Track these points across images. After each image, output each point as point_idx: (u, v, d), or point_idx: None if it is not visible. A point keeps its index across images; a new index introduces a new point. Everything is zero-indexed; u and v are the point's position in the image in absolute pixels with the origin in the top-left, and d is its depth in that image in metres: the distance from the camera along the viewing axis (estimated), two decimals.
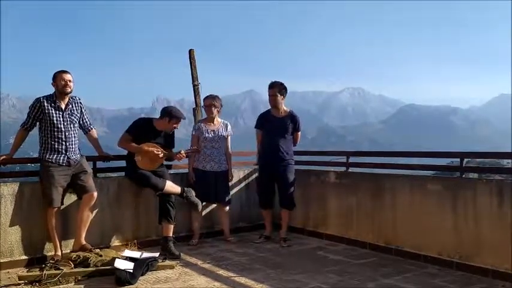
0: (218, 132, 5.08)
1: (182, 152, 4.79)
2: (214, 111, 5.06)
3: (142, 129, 4.68)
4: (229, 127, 5.21)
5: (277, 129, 5.06)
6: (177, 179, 5.08)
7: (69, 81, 4.20)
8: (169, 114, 4.70)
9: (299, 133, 5.21)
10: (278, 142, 5.02)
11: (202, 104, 5.37)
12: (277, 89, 5.02)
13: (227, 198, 5.15)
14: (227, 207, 5.19)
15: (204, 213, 5.27)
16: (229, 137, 5.20)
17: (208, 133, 5.04)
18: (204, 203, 5.09)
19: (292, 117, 5.10)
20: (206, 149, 5.04)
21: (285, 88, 5.08)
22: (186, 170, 5.37)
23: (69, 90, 4.21)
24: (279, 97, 5.03)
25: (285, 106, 5.14)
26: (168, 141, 4.81)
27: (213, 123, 5.10)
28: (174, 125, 4.73)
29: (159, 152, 4.61)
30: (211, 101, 5.05)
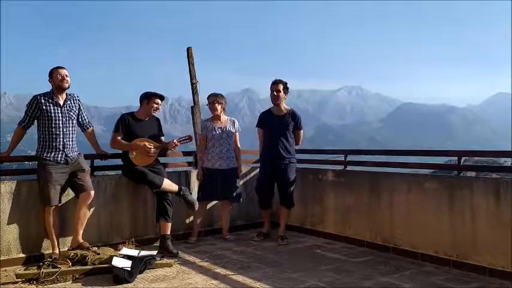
0: (226, 129, 5.06)
1: (174, 140, 4.74)
2: (219, 107, 5.04)
3: (127, 124, 4.65)
4: (236, 123, 5.19)
5: (278, 127, 5.03)
6: (175, 177, 5.07)
7: (66, 75, 4.19)
8: (146, 95, 4.70)
9: (301, 131, 5.15)
10: (279, 141, 4.99)
11: (203, 102, 5.36)
12: (281, 85, 5.01)
13: (235, 194, 5.12)
14: (237, 202, 5.23)
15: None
16: (237, 134, 5.18)
17: (215, 131, 5.00)
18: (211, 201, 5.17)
19: (293, 116, 5.07)
20: (214, 147, 5.00)
21: (288, 87, 5.08)
22: (183, 169, 5.36)
23: (66, 85, 4.20)
24: (282, 94, 5.03)
25: (285, 104, 5.13)
26: (156, 129, 4.79)
27: (219, 120, 5.07)
28: (154, 104, 4.69)
29: (151, 146, 4.61)
30: (215, 98, 5.04)
